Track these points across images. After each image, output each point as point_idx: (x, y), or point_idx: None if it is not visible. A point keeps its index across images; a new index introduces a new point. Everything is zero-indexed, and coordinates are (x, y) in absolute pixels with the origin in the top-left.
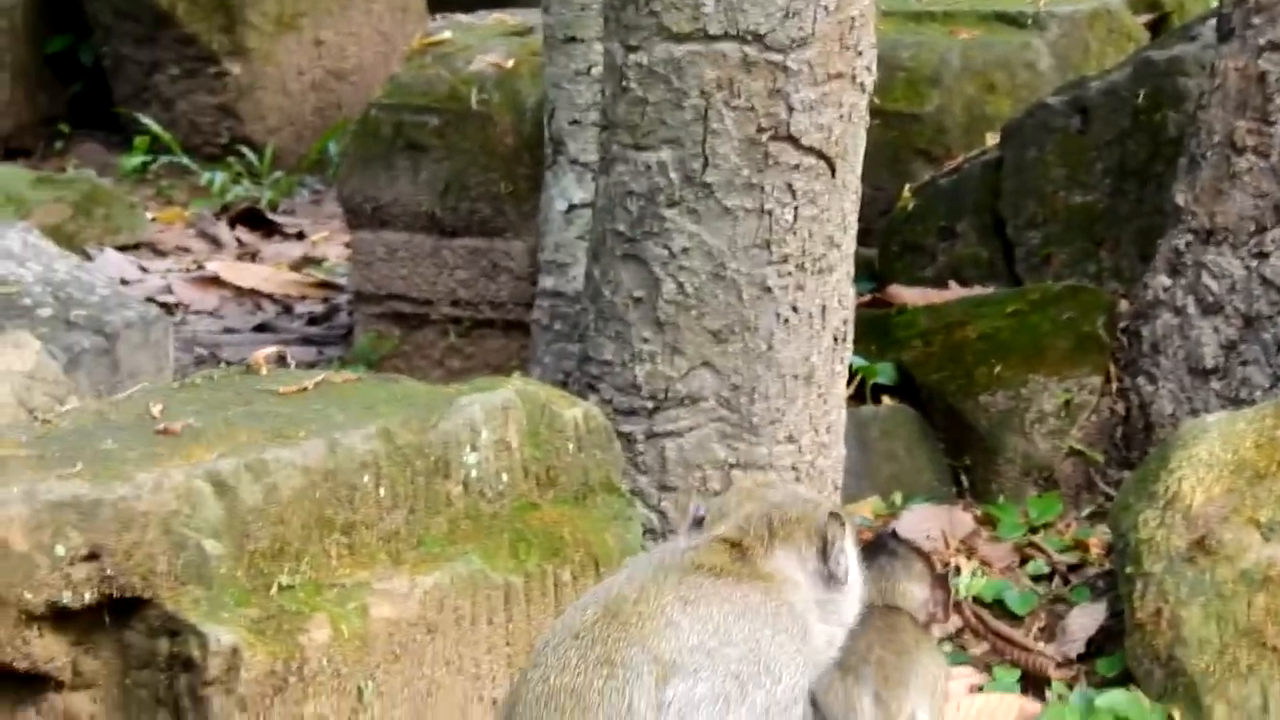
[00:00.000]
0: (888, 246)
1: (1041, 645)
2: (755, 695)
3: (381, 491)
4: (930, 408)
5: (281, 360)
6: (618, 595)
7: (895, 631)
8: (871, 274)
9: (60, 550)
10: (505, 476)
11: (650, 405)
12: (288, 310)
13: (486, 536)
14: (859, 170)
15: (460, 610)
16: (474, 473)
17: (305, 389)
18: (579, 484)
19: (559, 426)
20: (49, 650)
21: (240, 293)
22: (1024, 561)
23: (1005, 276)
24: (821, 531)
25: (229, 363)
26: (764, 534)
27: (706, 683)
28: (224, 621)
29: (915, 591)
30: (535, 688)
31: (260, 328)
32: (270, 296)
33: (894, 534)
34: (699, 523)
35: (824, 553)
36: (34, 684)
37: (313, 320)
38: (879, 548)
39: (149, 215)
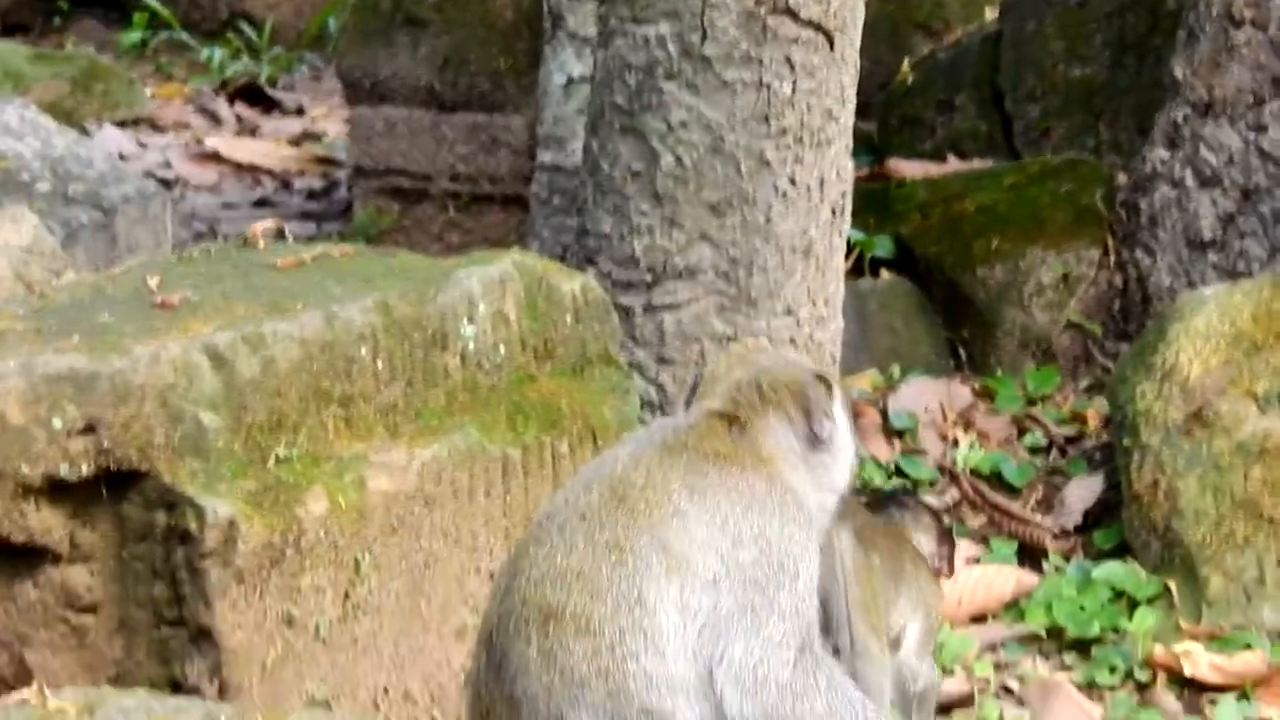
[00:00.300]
0: (887, 120)
1: (1039, 517)
2: (779, 598)
3: (379, 364)
4: (928, 281)
5: (279, 234)
6: (623, 477)
7: (898, 552)
8: (870, 147)
9: (57, 423)
10: (503, 349)
11: (648, 278)
12: (287, 185)
13: (484, 409)
14: (858, 44)
15: (458, 482)
16: (471, 345)
17: (303, 262)
18: (576, 356)
19: (556, 299)
20: (46, 523)
21: (239, 168)
22: (1021, 434)
23: (1004, 150)
24: (804, 395)
25: (227, 237)
26: (755, 403)
27: (729, 595)
28: (221, 494)
29: (923, 543)
30: (540, 565)
31: (259, 203)
32: (269, 172)
33: (905, 490)
34: (694, 390)
35: (808, 415)
36: (31, 557)
37: (312, 195)
38: (890, 500)
39: (148, 91)
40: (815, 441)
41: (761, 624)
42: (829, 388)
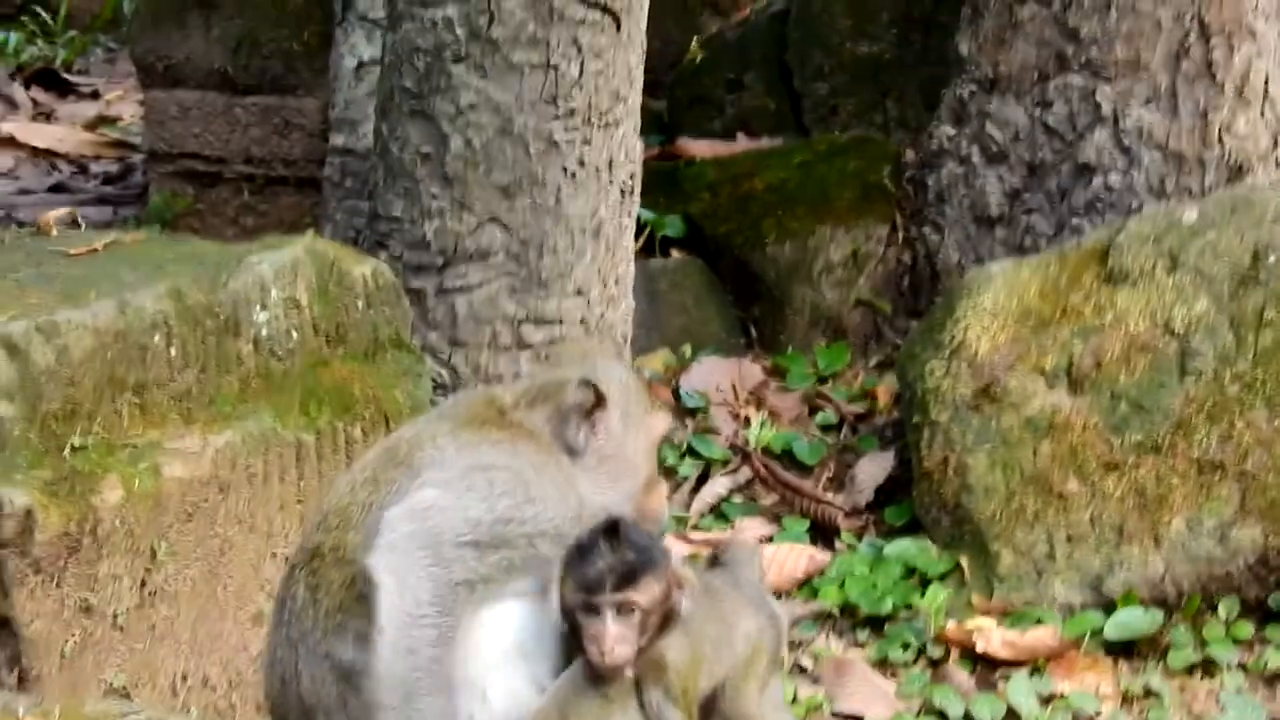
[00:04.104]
0: (676, 99)
1: (830, 495)
2: (500, 502)
3: (172, 351)
4: (719, 259)
5: (73, 222)
6: (396, 436)
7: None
8: (661, 127)
9: None
10: (295, 334)
11: (440, 261)
12: (83, 170)
13: (278, 394)
14: (644, 24)
15: (252, 468)
16: (264, 331)
17: (95, 250)
18: (369, 340)
19: (348, 284)
20: None
21: (35, 153)
22: (813, 411)
23: (793, 128)
24: (568, 404)
25: (23, 224)
26: (529, 397)
27: (458, 483)
28: (17, 483)
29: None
30: (314, 518)
31: (56, 188)
32: (65, 157)
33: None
34: None
35: (563, 419)
36: None
37: (108, 180)
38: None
39: None
40: (571, 450)
41: (471, 506)
42: (599, 397)
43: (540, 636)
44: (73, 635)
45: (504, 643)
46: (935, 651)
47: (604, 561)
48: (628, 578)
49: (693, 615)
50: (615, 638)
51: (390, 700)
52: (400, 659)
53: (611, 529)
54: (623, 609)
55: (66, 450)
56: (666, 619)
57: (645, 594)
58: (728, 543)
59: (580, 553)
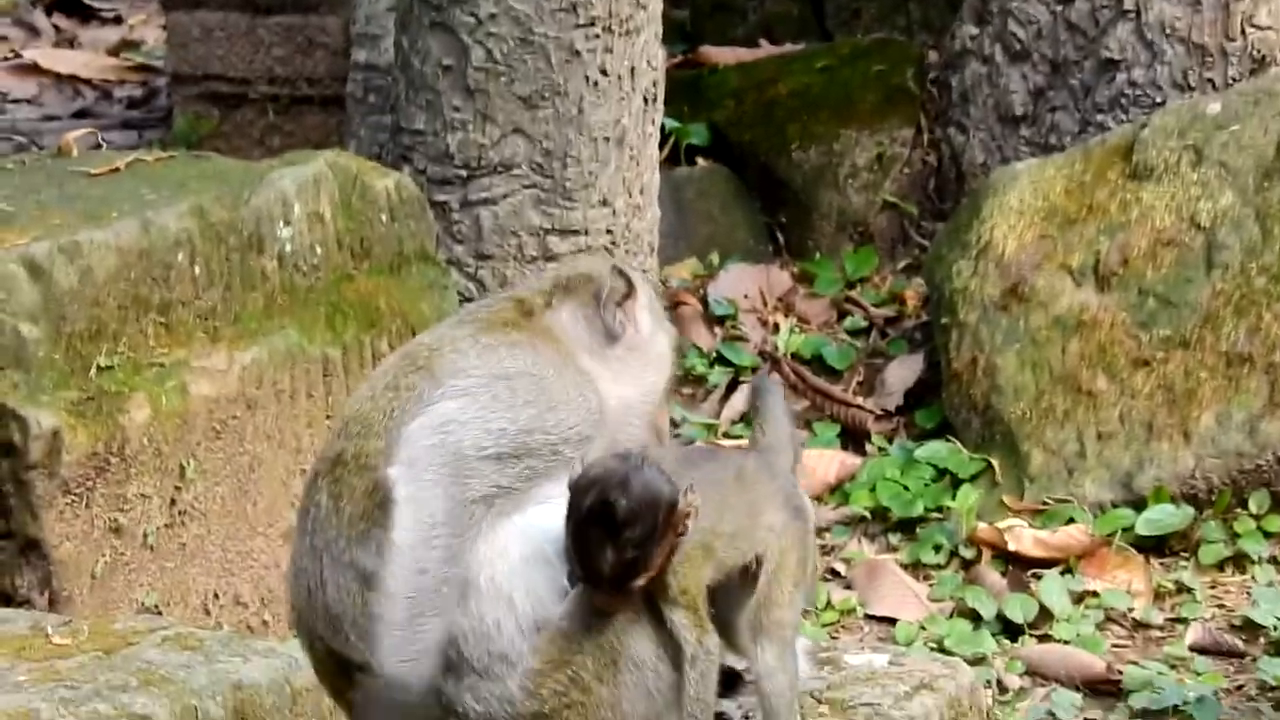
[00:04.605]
0: (698, 6)
1: (860, 399)
2: (524, 412)
3: (196, 269)
4: (744, 167)
5: (95, 144)
6: (415, 343)
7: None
8: (683, 35)
9: None
10: (319, 249)
11: (464, 174)
12: (107, 95)
13: (303, 310)
14: None
15: (279, 385)
16: (288, 247)
17: (117, 169)
18: (393, 254)
19: (371, 198)
20: None
21: (59, 79)
22: (841, 316)
23: (816, 32)
24: (600, 289)
25: (41, 147)
26: (549, 292)
27: (480, 393)
28: (43, 405)
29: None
30: (335, 425)
31: (80, 114)
32: (89, 82)
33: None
34: None
35: (599, 305)
36: None
37: (132, 104)
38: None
39: None
40: (608, 334)
41: (491, 409)
42: (630, 285)
43: (562, 541)
44: (103, 556)
45: (527, 549)
46: (967, 553)
47: (602, 557)
48: (630, 572)
49: (705, 508)
50: (615, 603)
51: (395, 617)
52: (410, 578)
53: (606, 514)
54: (626, 589)
55: (92, 371)
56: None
57: (647, 569)
58: (758, 382)
59: (576, 541)
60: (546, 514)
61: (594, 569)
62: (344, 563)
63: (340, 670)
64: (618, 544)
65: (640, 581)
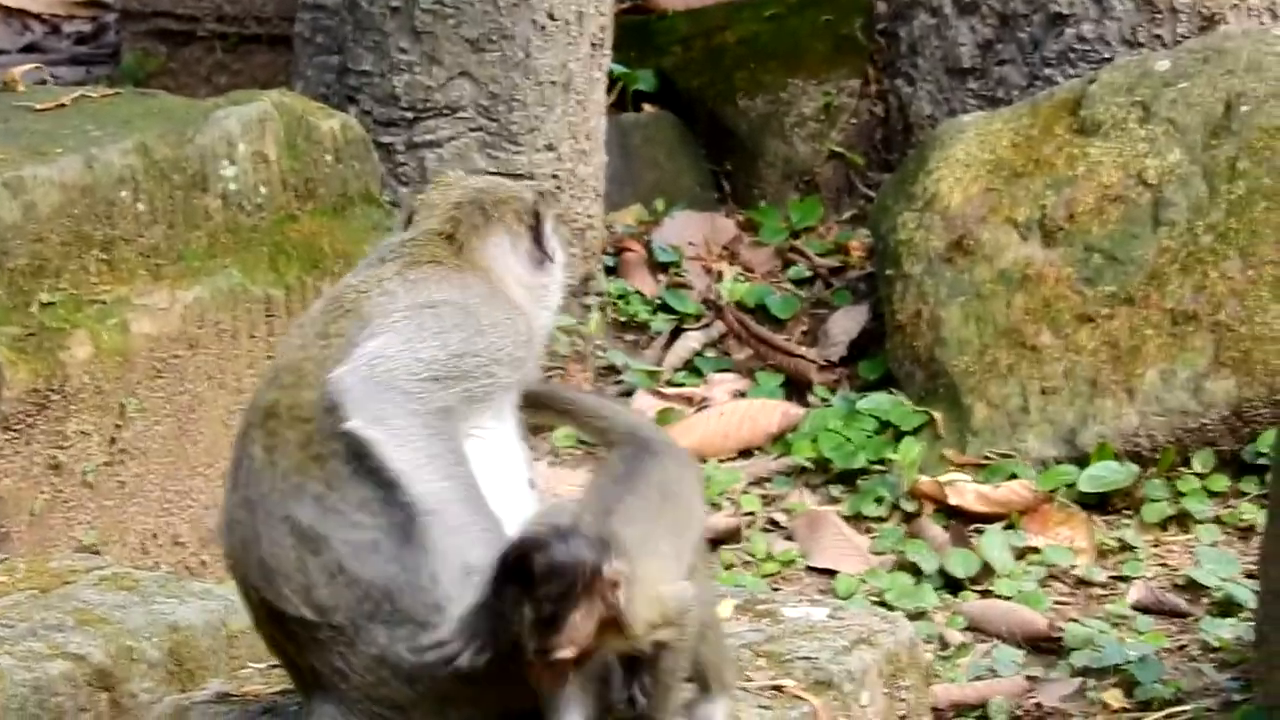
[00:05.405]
0: None
1: (803, 350)
2: (453, 336)
3: (140, 206)
4: (691, 114)
5: (41, 80)
6: (342, 286)
7: None
8: None
9: None
10: (264, 189)
11: (410, 115)
12: (55, 30)
13: (246, 250)
14: None
15: (221, 324)
16: (232, 186)
17: (63, 105)
18: (338, 195)
19: (316, 138)
20: None
21: (8, 13)
22: (786, 266)
23: None
24: (532, 212)
25: None
26: (477, 221)
27: (405, 325)
28: None
29: None
30: (265, 375)
31: (28, 48)
32: (38, 17)
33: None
34: (409, 217)
35: (536, 232)
36: None
37: (80, 40)
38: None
39: None
40: (540, 259)
41: (418, 339)
42: (549, 206)
43: (507, 466)
44: (42, 493)
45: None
46: (909, 506)
47: (520, 615)
48: (549, 633)
49: (656, 542)
50: (549, 685)
51: (451, 539)
52: (443, 499)
53: (521, 568)
54: (551, 665)
55: (34, 306)
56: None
57: (571, 642)
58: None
59: (496, 596)
60: (485, 445)
61: (510, 628)
62: (278, 517)
63: (274, 620)
64: (534, 599)
65: (566, 654)
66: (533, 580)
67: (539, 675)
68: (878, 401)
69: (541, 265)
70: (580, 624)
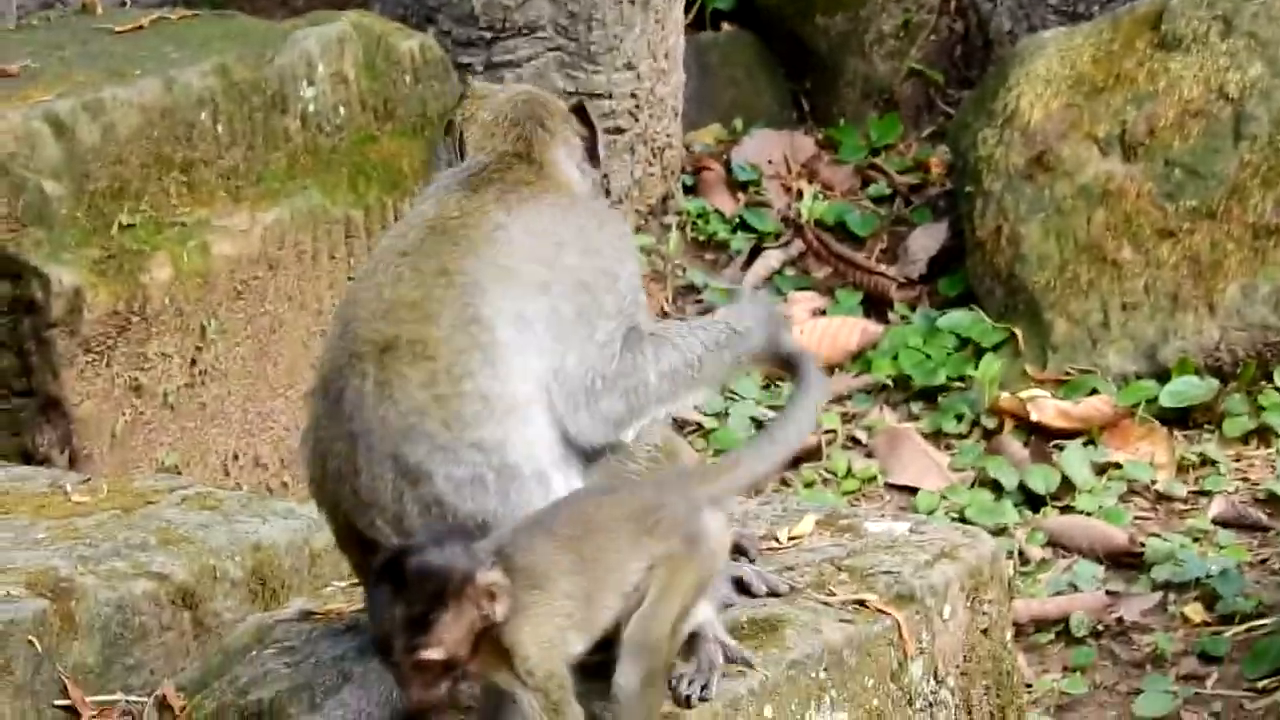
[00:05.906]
0: None
1: (883, 267)
2: (605, 300)
3: (219, 128)
4: (770, 32)
5: (120, 0)
6: (438, 214)
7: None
8: None
9: None
10: (343, 110)
11: (488, 35)
12: None
13: (326, 171)
14: None
15: (301, 245)
16: (311, 107)
17: (141, 27)
18: (417, 115)
19: (395, 59)
20: None
21: None
22: (865, 184)
23: None
24: (584, 120)
25: (68, 5)
26: (544, 137)
27: (562, 300)
28: (65, 262)
29: None
30: (370, 304)
31: None
32: None
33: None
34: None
35: (593, 134)
36: None
37: None
38: None
39: None
40: (596, 159)
41: (593, 330)
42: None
43: None
44: (123, 415)
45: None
46: (989, 422)
47: (389, 616)
48: (417, 631)
49: (553, 576)
50: (419, 691)
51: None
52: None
53: (394, 568)
54: (419, 665)
55: (114, 229)
56: (487, 630)
57: (440, 642)
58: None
59: (370, 598)
60: None
61: (382, 627)
62: (384, 453)
63: (362, 547)
64: (405, 599)
65: (433, 654)
66: (405, 580)
67: (406, 677)
68: (957, 318)
69: (595, 165)
70: (450, 626)
